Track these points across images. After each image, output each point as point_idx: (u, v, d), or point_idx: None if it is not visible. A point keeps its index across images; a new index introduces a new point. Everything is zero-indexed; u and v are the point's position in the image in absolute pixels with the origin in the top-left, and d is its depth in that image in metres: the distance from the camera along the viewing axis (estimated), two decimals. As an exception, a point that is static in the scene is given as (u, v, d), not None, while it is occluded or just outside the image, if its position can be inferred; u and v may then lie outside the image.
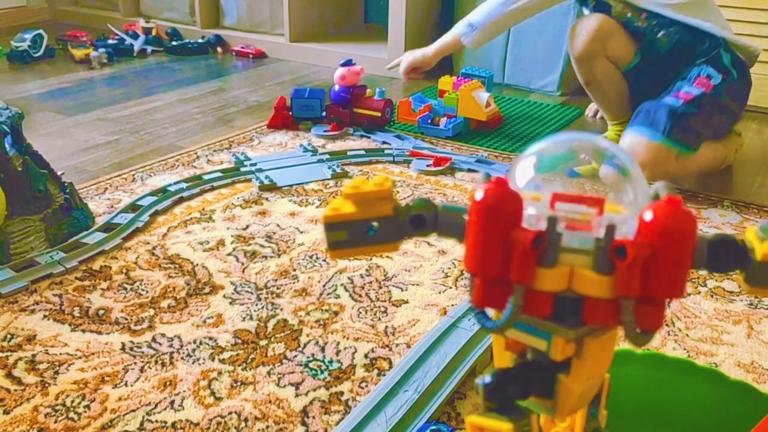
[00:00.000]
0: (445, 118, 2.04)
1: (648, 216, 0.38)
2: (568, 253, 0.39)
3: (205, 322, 1.13)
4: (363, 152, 1.86)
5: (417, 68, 2.06)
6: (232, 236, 1.40)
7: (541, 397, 0.44)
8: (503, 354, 0.45)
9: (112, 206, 1.51)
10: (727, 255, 0.41)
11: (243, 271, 1.28)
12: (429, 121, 2.04)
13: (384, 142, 1.94)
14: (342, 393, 0.98)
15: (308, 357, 1.05)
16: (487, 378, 0.42)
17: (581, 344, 0.42)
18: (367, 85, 2.07)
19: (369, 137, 1.98)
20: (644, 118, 1.60)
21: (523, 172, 0.42)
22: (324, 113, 2.04)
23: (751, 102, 2.26)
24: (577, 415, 0.48)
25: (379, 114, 1.99)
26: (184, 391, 0.97)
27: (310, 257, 1.33)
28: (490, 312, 0.41)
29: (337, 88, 2.03)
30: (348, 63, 2.02)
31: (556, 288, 0.39)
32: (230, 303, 1.18)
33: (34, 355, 1.04)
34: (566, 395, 0.43)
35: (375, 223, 0.42)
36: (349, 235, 0.43)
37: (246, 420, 0.92)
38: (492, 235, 0.38)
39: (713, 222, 1.52)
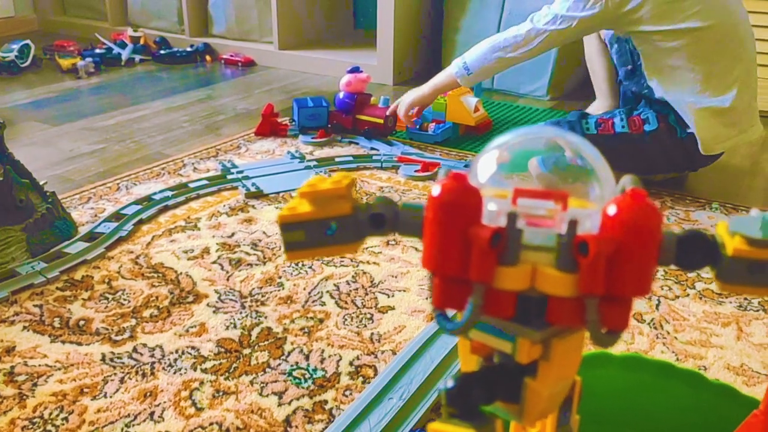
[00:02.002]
0: (434, 124, 2.03)
1: (611, 210, 0.36)
2: (531, 251, 0.37)
3: (187, 331, 1.11)
4: (351, 158, 1.84)
5: (417, 108, 1.96)
6: (217, 244, 1.39)
7: (507, 402, 0.42)
8: (469, 357, 0.44)
9: (95, 215, 1.50)
10: (697, 251, 0.39)
11: (227, 279, 1.26)
12: (418, 127, 2.03)
13: (372, 148, 1.92)
14: (326, 401, 0.96)
15: (292, 365, 1.03)
16: (450, 383, 0.40)
17: (548, 346, 0.40)
18: (372, 94, 2.05)
19: (358, 143, 1.97)
20: (554, 122, 1.67)
21: (485, 167, 0.41)
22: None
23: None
24: (548, 420, 0.46)
25: (381, 121, 1.97)
26: (165, 402, 0.96)
27: (296, 265, 1.31)
28: (452, 313, 0.39)
29: (342, 95, 2.01)
30: (355, 70, 2.00)
31: (519, 287, 0.37)
32: (214, 312, 1.16)
33: (12, 367, 1.02)
34: (533, 399, 0.41)
35: (334, 223, 0.41)
36: (307, 235, 0.41)
37: (227, 431, 0.91)
38: (449, 232, 0.37)
39: (702, 224, 1.51)
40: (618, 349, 1.07)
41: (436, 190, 0.37)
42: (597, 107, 1.96)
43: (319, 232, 0.41)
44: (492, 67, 1.72)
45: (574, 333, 0.40)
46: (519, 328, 0.39)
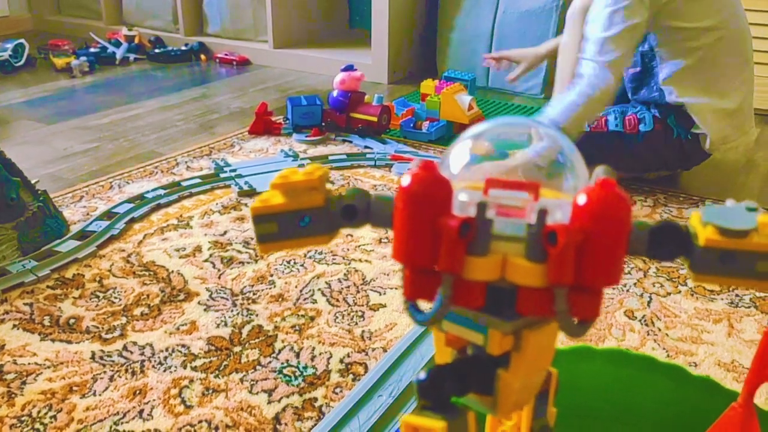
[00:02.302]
0: (428, 122, 2.02)
1: (581, 200, 0.36)
2: (501, 241, 0.37)
3: (178, 329, 1.11)
4: (344, 157, 1.84)
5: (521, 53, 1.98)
6: (209, 242, 1.38)
7: (481, 394, 0.42)
8: (444, 350, 0.43)
9: (87, 214, 1.49)
10: (670, 242, 0.39)
11: (219, 278, 1.26)
12: (412, 125, 2.03)
13: (366, 147, 1.92)
14: (316, 399, 0.96)
15: (282, 363, 1.03)
16: (422, 375, 0.40)
17: (520, 337, 0.40)
18: (366, 92, 2.05)
19: (351, 142, 1.96)
20: (529, 119, 1.61)
21: (458, 157, 0.41)
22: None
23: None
24: (523, 412, 0.46)
25: (375, 119, 1.96)
26: (154, 400, 0.95)
27: (288, 262, 1.31)
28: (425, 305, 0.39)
29: (335, 93, 2.00)
30: (349, 68, 2.00)
31: (488, 277, 0.37)
32: (205, 310, 1.16)
33: (1, 366, 1.01)
34: (506, 391, 0.41)
35: (307, 215, 0.40)
36: (280, 227, 0.41)
37: (216, 428, 0.90)
38: (419, 222, 0.36)
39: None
40: (610, 345, 1.07)
41: (405, 180, 0.37)
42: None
43: (291, 224, 0.41)
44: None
45: (547, 324, 0.40)
46: (490, 319, 0.39)
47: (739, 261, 0.38)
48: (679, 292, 1.22)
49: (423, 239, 0.36)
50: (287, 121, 2.06)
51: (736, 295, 1.21)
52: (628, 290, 1.22)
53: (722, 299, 1.20)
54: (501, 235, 0.37)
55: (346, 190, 0.41)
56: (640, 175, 1.67)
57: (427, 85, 2.07)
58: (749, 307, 1.18)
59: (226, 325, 1.12)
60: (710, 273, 0.39)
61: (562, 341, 1.06)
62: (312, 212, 0.41)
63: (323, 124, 2.01)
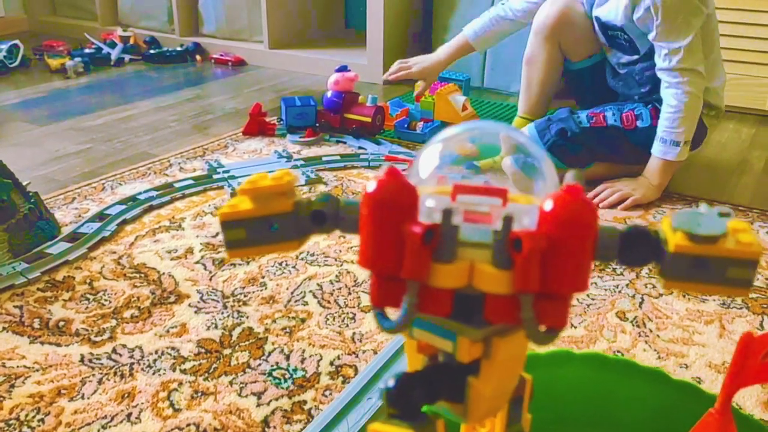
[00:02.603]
0: (422, 123, 2.02)
1: (547, 206, 0.35)
2: (468, 248, 0.37)
3: (168, 331, 1.10)
4: (338, 158, 1.84)
5: (421, 71, 2.00)
6: (201, 244, 1.38)
7: (452, 402, 0.41)
8: (415, 357, 0.43)
9: (79, 216, 1.49)
10: (640, 247, 0.39)
11: (210, 279, 1.25)
12: (406, 126, 2.02)
13: (360, 147, 1.92)
14: (305, 402, 0.95)
15: (272, 365, 1.03)
16: (390, 382, 0.40)
17: (489, 344, 0.39)
18: (360, 93, 2.04)
19: (345, 142, 1.96)
20: (543, 121, 1.63)
21: (427, 162, 0.41)
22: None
23: (728, 102, 2.27)
24: (497, 419, 0.45)
25: (369, 120, 1.95)
26: (142, 403, 0.95)
27: (280, 264, 1.31)
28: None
29: (329, 93, 1.99)
30: (343, 69, 1.99)
31: (455, 284, 0.37)
32: (195, 312, 1.16)
33: (-10, 369, 1.01)
34: (477, 399, 0.40)
35: (275, 221, 0.40)
36: (248, 233, 0.41)
37: (204, 431, 0.90)
38: (384, 229, 0.36)
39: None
40: (601, 347, 1.07)
41: (371, 185, 0.36)
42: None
43: (260, 230, 0.40)
44: (496, 31, 1.86)
45: (517, 331, 0.39)
46: (459, 326, 0.38)
47: (710, 267, 0.38)
48: (671, 293, 1.22)
49: (388, 246, 0.36)
50: (281, 122, 2.06)
51: (728, 296, 1.21)
52: (620, 291, 1.22)
53: (714, 300, 1.20)
54: (468, 241, 0.37)
55: (316, 196, 0.41)
56: (638, 165, 1.67)
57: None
58: (741, 308, 1.18)
59: (216, 327, 1.12)
60: (680, 279, 0.38)
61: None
62: (280, 218, 0.40)
63: (317, 124, 2.01)
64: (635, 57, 1.64)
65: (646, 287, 1.23)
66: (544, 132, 1.61)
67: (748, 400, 0.95)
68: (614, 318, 1.15)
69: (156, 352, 1.05)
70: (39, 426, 0.91)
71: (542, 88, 1.81)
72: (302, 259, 1.32)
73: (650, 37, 1.55)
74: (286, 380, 1.00)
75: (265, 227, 0.40)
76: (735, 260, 0.38)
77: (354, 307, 1.17)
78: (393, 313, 0.38)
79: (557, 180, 0.39)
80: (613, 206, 1.56)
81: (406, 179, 0.37)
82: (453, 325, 0.39)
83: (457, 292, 0.37)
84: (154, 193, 1.58)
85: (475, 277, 0.37)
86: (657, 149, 1.58)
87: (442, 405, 0.42)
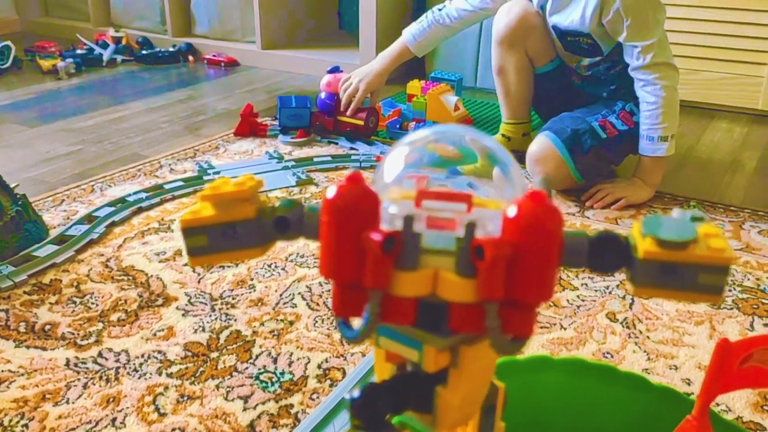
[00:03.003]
0: (414, 123, 2.01)
1: (510, 212, 0.35)
2: (432, 255, 0.36)
3: (155, 335, 1.10)
4: (329, 158, 1.83)
5: (367, 88, 1.93)
6: (190, 246, 1.37)
7: (420, 412, 0.41)
8: (383, 366, 0.42)
9: (68, 218, 1.48)
10: (610, 253, 0.38)
11: (198, 282, 1.25)
12: (398, 126, 2.02)
13: (351, 148, 1.91)
14: (292, 405, 0.95)
15: (259, 369, 1.02)
16: (356, 392, 0.39)
17: (457, 353, 0.39)
18: None
19: (337, 143, 1.95)
20: (569, 135, 1.57)
21: (392, 166, 0.40)
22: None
23: (720, 101, 2.27)
24: (468, 429, 0.44)
25: (362, 123, 1.93)
26: (128, 408, 0.94)
27: (269, 266, 1.30)
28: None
29: (323, 95, 1.98)
30: (335, 70, 1.97)
31: (418, 293, 0.36)
32: (183, 315, 1.15)
33: (-26, 374, 1.00)
34: (445, 408, 0.40)
35: (238, 227, 0.39)
36: (210, 240, 0.40)
37: (190, 436, 0.89)
38: (344, 236, 0.35)
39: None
40: (591, 348, 1.06)
41: (330, 192, 0.36)
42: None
43: (222, 237, 0.40)
44: (434, 34, 1.86)
45: (484, 339, 0.38)
46: (424, 335, 0.38)
47: (680, 274, 0.37)
48: (665, 299, 1.21)
49: (349, 254, 0.35)
50: (276, 120, 2.03)
51: (700, 302, 1.20)
52: (610, 292, 1.22)
53: (705, 301, 1.19)
54: (431, 248, 0.36)
55: (280, 202, 0.40)
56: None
57: (414, 86, 2.06)
58: (731, 309, 1.17)
59: (203, 330, 1.11)
60: (650, 286, 0.38)
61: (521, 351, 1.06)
62: (243, 224, 0.40)
63: (311, 127, 1.99)
64: (598, 59, 1.64)
65: (637, 288, 1.23)
66: (576, 148, 1.56)
67: (738, 401, 0.95)
68: (604, 319, 1.14)
69: (142, 356, 1.05)
70: (23, 431, 0.90)
71: (521, 94, 1.81)
72: (291, 260, 1.31)
73: (620, 38, 1.55)
74: (273, 384, 0.99)
75: (227, 234, 0.39)
76: (706, 266, 0.37)
77: (343, 310, 1.16)
78: (357, 323, 0.37)
79: (525, 185, 0.38)
80: (606, 206, 1.56)
81: (367, 185, 0.36)
82: (418, 334, 0.38)
83: (422, 301, 0.36)
84: (143, 195, 1.57)
85: (439, 285, 0.36)
86: (645, 148, 1.58)
87: (411, 415, 0.41)
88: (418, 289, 0.35)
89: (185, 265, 1.30)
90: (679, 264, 0.37)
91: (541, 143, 1.59)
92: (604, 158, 1.62)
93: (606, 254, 0.37)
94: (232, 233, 0.40)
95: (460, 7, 1.82)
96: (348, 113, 1.94)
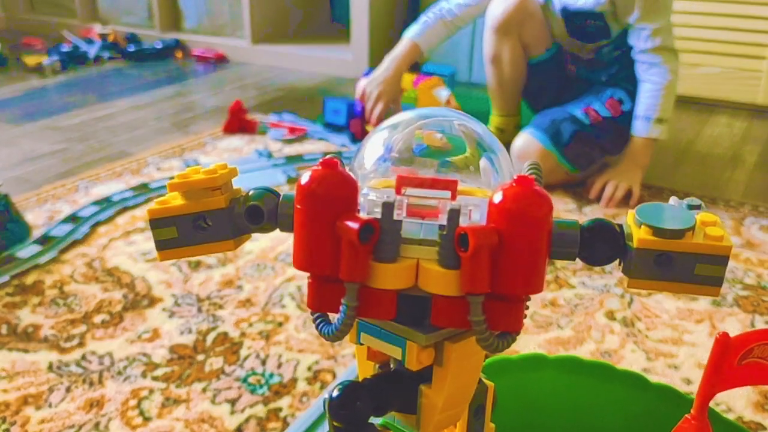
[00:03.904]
0: (405, 118, 1.98)
1: (497, 198, 0.32)
2: (414, 245, 0.33)
3: (140, 337, 1.06)
4: (320, 156, 1.80)
5: (389, 95, 1.85)
6: (177, 245, 1.33)
7: (403, 413, 0.38)
8: (366, 364, 0.40)
9: (51, 218, 1.44)
10: (603, 243, 0.35)
11: (185, 282, 1.21)
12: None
13: (343, 145, 1.88)
14: (281, 409, 0.92)
15: (247, 371, 0.99)
16: (335, 392, 0.36)
17: (441, 350, 0.36)
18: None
19: (327, 140, 1.92)
20: (549, 125, 1.57)
21: (373, 152, 0.37)
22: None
23: (720, 96, 2.25)
24: (456, 430, 0.42)
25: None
26: (111, 412, 0.91)
27: (258, 266, 1.26)
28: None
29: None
30: (368, 73, 1.88)
31: (399, 285, 0.33)
32: (169, 316, 1.12)
33: (-48, 379, 0.97)
34: (430, 409, 0.37)
35: (208, 218, 0.37)
36: (179, 231, 0.37)
37: (175, 442, 0.86)
38: (319, 225, 0.32)
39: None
40: (589, 348, 1.03)
41: (305, 177, 0.33)
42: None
43: (192, 228, 0.37)
44: (438, 31, 1.78)
45: (470, 335, 0.36)
46: (406, 330, 0.35)
47: (676, 264, 0.34)
48: (661, 291, 1.18)
49: (324, 244, 0.33)
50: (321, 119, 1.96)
51: (697, 295, 1.17)
52: (608, 290, 1.19)
53: (705, 299, 1.17)
54: (413, 238, 0.33)
55: (253, 190, 0.37)
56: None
57: (405, 79, 2.02)
58: (732, 306, 1.15)
59: (190, 332, 1.08)
60: (645, 277, 0.35)
61: (514, 349, 1.03)
62: (213, 215, 0.37)
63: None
64: (604, 42, 1.62)
65: (635, 285, 1.20)
66: (557, 137, 1.56)
67: (739, 401, 0.92)
68: (603, 318, 1.11)
69: (126, 359, 1.01)
70: (1, 438, 0.87)
71: (515, 84, 1.78)
72: (281, 260, 1.28)
73: (631, 18, 1.53)
74: (261, 386, 0.96)
75: (198, 225, 0.37)
76: (703, 256, 0.34)
77: (334, 309, 1.13)
78: (334, 318, 0.35)
79: (513, 171, 0.36)
80: (619, 201, 1.53)
81: (343, 170, 0.33)
82: (400, 329, 0.35)
83: (403, 294, 0.34)
84: (128, 194, 1.54)
85: (420, 277, 0.33)
86: (641, 128, 1.56)
87: (394, 416, 0.39)
88: (399, 281, 0.33)
89: (171, 265, 1.26)
90: (676, 253, 0.34)
91: (524, 138, 1.59)
92: (593, 145, 1.60)
93: (600, 245, 0.35)
94: (202, 224, 0.37)
95: (461, 2, 1.78)
96: (375, 123, 1.84)
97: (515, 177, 0.32)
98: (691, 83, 2.26)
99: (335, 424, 0.37)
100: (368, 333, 0.37)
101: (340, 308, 0.33)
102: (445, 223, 0.32)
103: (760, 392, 0.94)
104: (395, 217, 0.32)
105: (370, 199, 0.34)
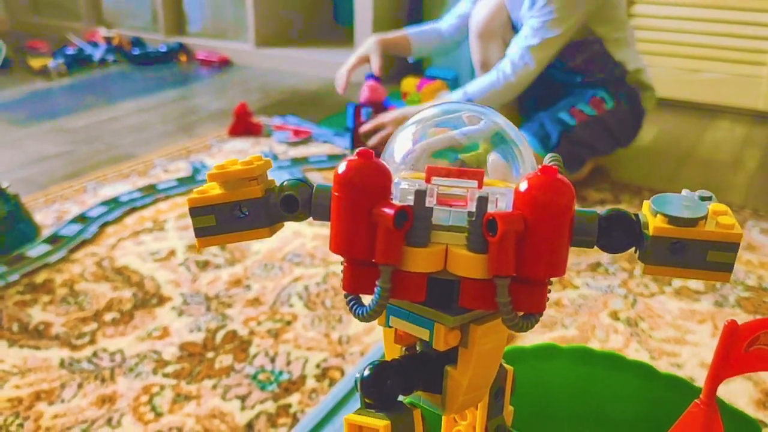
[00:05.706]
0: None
1: (522, 187, 0.34)
2: (443, 231, 0.35)
3: (150, 335, 1.08)
4: (325, 158, 1.81)
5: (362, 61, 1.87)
6: (184, 246, 1.35)
7: (429, 392, 0.40)
8: (392, 347, 0.42)
9: (60, 218, 1.46)
10: (620, 232, 0.37)
11: (194, 282, 1.23)
12: (393, 125, 2.00)
13: (347, 147, 1.89)
14: (290, 405, 0.93)
15: (257, 368, 1.00)
16: (366, 371, 0.39)
17: (466, 332, 0.38)
18: (394, 105, 1.87)
19: (333, 143, 1.94)
20: (537, 129, 1.61)
21: (402, 145, 0.39)
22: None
23: (721, 101, 2.27)
24: (478, 411, 0.44)
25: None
26: (124, 408, 0.92)
27: (265, 266, 1.28)
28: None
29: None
30: (369, 77, 1.84)
31: (429, 269, 0.35)
32: (178, 315, 1.13)
33: (-34, 374, 0.98)
34: (455, 389, 0.39)
35: (245, 207, 0.39)
36: (218, 220, 0.39)
37: (187, 437, 0.88)
38: (355, 211, 0.34)
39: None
40: (593, 347, 1.05)
41: (342, 167, 0.35)
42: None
43: (230, 217, 0.39)
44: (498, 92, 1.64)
45: (495, 318, 0.38)
46: (434, 313, 0.37)
47: (690, 251, 0.36)
48: (664, 292, 1.20)
49: (360, 230, 0.35)
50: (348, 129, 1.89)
51: (721, 295, 1.19)
52: (612, 291, 1.20)
53: (707, 300, 1.18)
54: (443, 225, 0.36)
55: (287, 180, 0.39)
56: (612, 152, 1.72)
57: (408, 83, 2.05)
58: (734, 307, 1.16)
59: (199, 330, 1.09)
60: (660, 264, 0.37)
61: (527, 338, 1.04)
62: (250, 204, 0.39)
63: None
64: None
65: (639, 286, 1.22)
66: (546, 140, 1.59)
67: (740, 398, 0.94)
68: (606, 318, 1.13)
69: (137, 356, 1.03)
70: (18, 431, 0.88)
71: None
72: (288, 260, 1.30)
73: (526, 8, 1.58)
74: (271, 383, 0.97)
75: (235, 214, 0.39)
76: (715, 243, 0.36)
77: (341, 309, 1.15)
78: (367, 301, 0.36)
79: (534, 163, 0.38)
80: None
81: (378, 160, 0.35)
82: (429, 312, 0.37)
83: (433, 278, 0.36)
84: (136, 195, 1.55)
85: (449, 261, 0.35)
86: (454, 94, 1.65)
87: (420, 395, 0.41)
88: (429, 265, 0.35)
89: (179, 264, 1.28)
90: (689, 241, 0.36)
91: None
92: (582, 144, 1.62)
93: (617, 233, 0.37)
94: (239, 213, 0.39)
95: (448, 22, 1.86)
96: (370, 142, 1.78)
97: (539, 167, 0.34)
98: (693, 89, 2.28)
99: (366, 400, 0.39)
100: (397, 316, 0.39)
101: (375, 290, 0.35)
102: (473, 209, 0.34)
103: (761, 390, 0.96)
104: (427, 204, 0.35)
105: (402, 188, 0.36)
